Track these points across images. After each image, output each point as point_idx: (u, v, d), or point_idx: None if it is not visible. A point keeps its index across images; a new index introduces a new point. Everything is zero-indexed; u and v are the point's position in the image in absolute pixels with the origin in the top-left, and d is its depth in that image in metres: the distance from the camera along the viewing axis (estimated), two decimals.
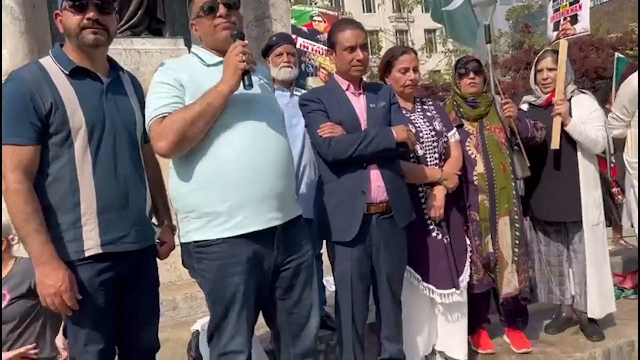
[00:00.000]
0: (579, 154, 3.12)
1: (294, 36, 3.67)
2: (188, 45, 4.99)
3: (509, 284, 2.86)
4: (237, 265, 1.90)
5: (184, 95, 1.89)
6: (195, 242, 1.93)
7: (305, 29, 3.76)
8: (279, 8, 5.43)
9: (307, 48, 3.80)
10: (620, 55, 5.58)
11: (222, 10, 1.95)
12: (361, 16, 39.40)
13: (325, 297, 3.43)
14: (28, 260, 2.71)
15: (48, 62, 1.84)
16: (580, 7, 3.26)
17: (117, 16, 1.94)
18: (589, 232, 3.09)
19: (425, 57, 30.95)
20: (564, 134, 3.09)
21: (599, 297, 3.11)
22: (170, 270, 3.90)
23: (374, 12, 40.64)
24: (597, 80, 17.80)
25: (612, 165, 4.02)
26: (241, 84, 1.85)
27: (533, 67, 3.30)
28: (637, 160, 3.44)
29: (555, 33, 3.36)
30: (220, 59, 1.95)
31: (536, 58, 3.30)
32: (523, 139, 3.00)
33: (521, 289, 2.90)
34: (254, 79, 1.91)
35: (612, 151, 3.36)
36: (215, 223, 1.89)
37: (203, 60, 2.01)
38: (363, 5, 41.32)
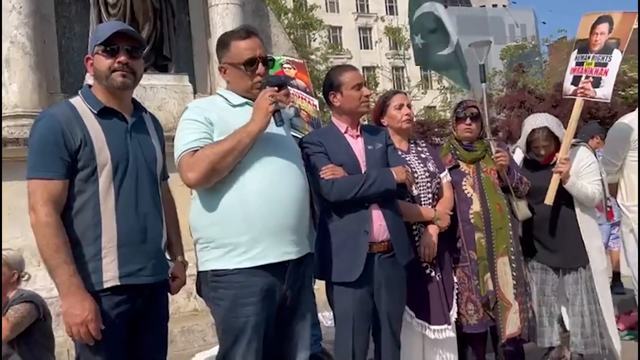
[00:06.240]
0: (577, 208, 3.19)
1: None
2: (192, 82, 5.14)
3: (513, 324, 2.91)
4: (251, 295, 2.00)
5: (213, 133, 2.03)
6: (212, 270, 2.03)
7: (280, 76, 3.98)
8: (281, 47, 5.62)
9: (289, 92, 4.03)
10: None
11: (261, 69, 2.12)
12: (359, 52, 40.26)
13: (320, 332, 3.45)
14: (22, 293, 2.76)
15: (77, 101, 1.95)
16: (606, 72, 3.21)
17: (143, 61, 2.06)
18: (599, 276, 3.16)
19: (421, 93, 31.42)
20: (561, 187, 3.13)
21: (615, 336, 3.18)
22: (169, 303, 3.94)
23: (371, 48, 41.47)
24: (590, 120, 18.15)
25: (608, 209, 4.09)
26: (272, 122, 2.00)
27: (524, 137, 3.29)
28: (633, 204, 3.46)
29: (573, 88, 3.34)
30: (245, 100, 2.13)
31: (525, 132, 3.27)
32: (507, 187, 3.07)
33: (521, 329, 2.95)
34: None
35: (607, 195, 3.43)
36: (235, 253, 2.00)
37: (229, 101, 2.15)
38: (360, 42, 42.20)
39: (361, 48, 41.77)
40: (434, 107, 30.46)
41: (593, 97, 3.28)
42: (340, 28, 41.06)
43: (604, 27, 3.30)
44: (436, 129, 21.66)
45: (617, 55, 3.22)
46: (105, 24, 1.99)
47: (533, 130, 3.24)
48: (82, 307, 1.77)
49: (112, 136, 1.91)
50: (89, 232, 1.85)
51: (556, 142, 3.23)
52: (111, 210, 1.87)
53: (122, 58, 1.92)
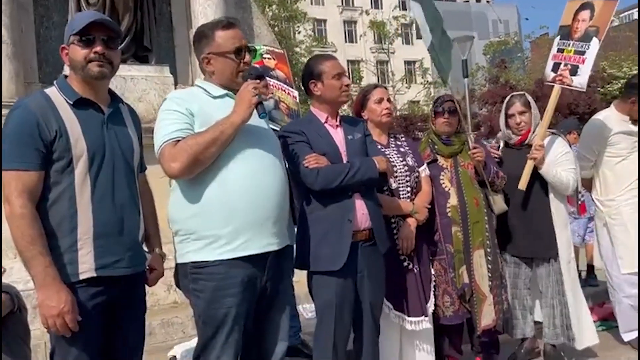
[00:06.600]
0: (551, 194, 3.25)
1: None
2: (173, 73, 5.09)
3: (488, 316, 2.96)
4: (232, 287, 2.01)
5: (194, 124, 2.02)
6: (192, 262, 2.03)
7: (258, 66, 3.88)
8: (264, 39, 5.60)
9: (269, 84, 3.92)
10: None
11: (247, 57, 2.14)
12: (343, 46, 40.22)
13: (300, 324, 3.48)
14: None
15: (53, 92, 1.93)
16: (583, 61, 3.23)
17: (120, 52, 2.05)
18: (566, 269, 3.22)
19: (405, 87, 31.50)
20: (537, 175, 3.21)
21: (583, 329, 3.24)
22: (147, 295, 3.90)
23: (356, 42, 41.46)
24: (569, 115, 18.43)
25: (580, 202, 4.17)
26: (255, 114, 2.02)
27: (503, 112, 3.40)
28: (607, 198, 3.53)
29: (553, 75, 3.38)
30: (225, 91, 2.14)
31: (505, 103, 3.40)
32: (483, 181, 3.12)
33: (496, 321, 3.00)
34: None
35: (580, 189, 3.49)
36: (216, 245, 2.00)
37: (209, 93, 2.15)
38: (345, 35, 42.16)
39: (346, 41, 41.72)
40: (418, 101, 30.57)
41: (570, 85, 3.33)
42: (325, 21, 40.97)
43: (585, 14, 3.32)
44: (419, 124, 21.72)
45: (595, 44, 3.24)
46: (81, 14, 1.97)
47: (512, 96, 3.36)
48: (59, 298, 1.77)
49: (88, 127, 1.89)
50: (64, 223, 1.84)
51: (531, 117, 3.28)
52: (87, 202, 1.86)
53: (98, 48, 1.91)
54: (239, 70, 2.12)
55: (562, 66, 3.35)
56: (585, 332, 3.27)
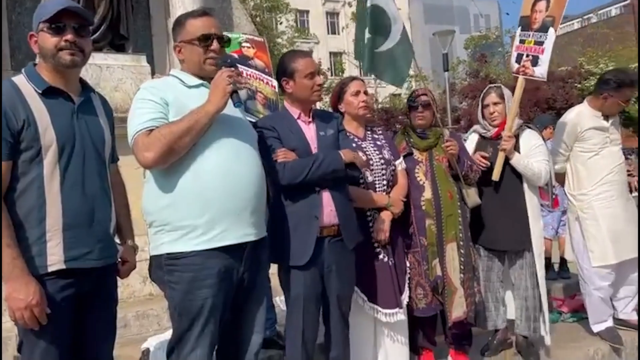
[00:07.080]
0: (525, 186, 3.31)
1: None
2: (150, 62, 5.02)
3: (459, 308, 2.99)
4: (208, 278, 1.99)
5: (168, 113, 2.00)
6: (167, 254, 2.01)
7: (235, 55, 3.71)
8: (243, 29, 5.54)
9: (242, 73, 3.86)
10: None
11: (215, 45, 2.10)
12: (325, 38, 40.10)
13: (276, 316, 3.49)
14: None
15: (21, 80, 1.89)
16: (542, 51, 3.33)
17: (91, 40, 2.02)
18: (539, 260, 3.28)
19: None
20: (510, 167, 3.27)
21: (545, 322, 3.31)
22: (122, 287, 3.88)
23: (338, 34, 41.33)
24: (548, 110, 18.68)
25: (554, 196, 4.25)
26: (230, 102, 2.00)
27: (480, 103, 3.47)
28: (579, 192, 3.60)
29: (517, 66, 3.46)
30: (201, 81, 2.12)
31: (482, 94, 3.47)
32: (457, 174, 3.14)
33: (467, 313, 3.04)
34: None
35: (553, 183, 3.56)
36: (192, 236, 1.98)
37: (184, 82, 2.13)
38: (328, 27, 42.02)
39: (328, 33, 41.58)
40: (399, 94, 30.62)
41: (532, 76, 3.40)
42: (307, 12, 40.74)
43: (542, 4, 3.39)
44: (400, 117, 21.81)
45: (551, 34, 3.32)
46: (50, 1, 1.93)
47: (489, 87, 3.44)
48: (27, 290, 1.74)
49: (57, 117, 1.86)
50: (33, 214, 1.81)
51: (504, 108, 3.34)
52: (56, 193, 1.83)
53: (69, 36, 1.88)
54: (207, 58, 2.10)
55: (524, 57, 3.42)
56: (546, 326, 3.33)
